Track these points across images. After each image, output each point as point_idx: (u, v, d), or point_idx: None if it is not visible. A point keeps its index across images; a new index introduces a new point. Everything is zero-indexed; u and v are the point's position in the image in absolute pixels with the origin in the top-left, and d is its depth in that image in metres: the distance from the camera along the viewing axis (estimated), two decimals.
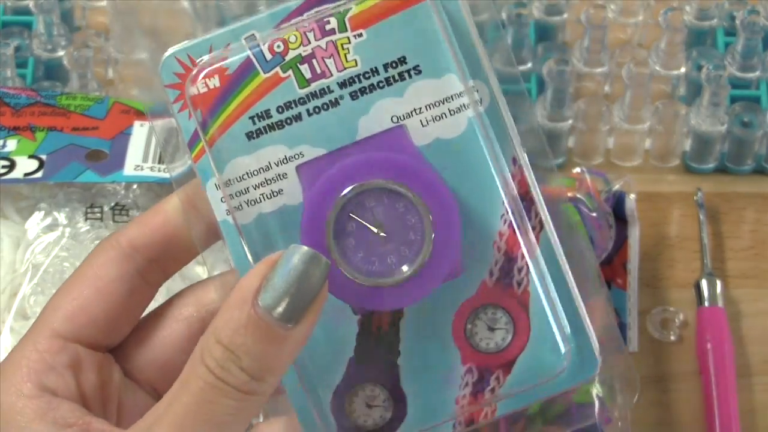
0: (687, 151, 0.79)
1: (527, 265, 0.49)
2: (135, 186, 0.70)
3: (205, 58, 0.49)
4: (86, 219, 0.70)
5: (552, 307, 0.49)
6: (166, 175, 0.68)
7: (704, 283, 0.73)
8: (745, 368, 0.71)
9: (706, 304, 0.72)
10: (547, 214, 0.49)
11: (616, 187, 0.75)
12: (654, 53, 0.80)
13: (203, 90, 0.48)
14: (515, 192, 0.49)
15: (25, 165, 0.69)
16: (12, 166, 0.69)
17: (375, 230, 0.47)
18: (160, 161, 0.69)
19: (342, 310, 0.49)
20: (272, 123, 0.48)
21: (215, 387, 0.44)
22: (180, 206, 0.50)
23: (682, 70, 0.80)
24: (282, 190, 0.48)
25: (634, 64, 0.77)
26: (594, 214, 0.71)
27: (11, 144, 0.70)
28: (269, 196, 0.48)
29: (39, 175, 0.69)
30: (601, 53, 0.80)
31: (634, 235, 0.74)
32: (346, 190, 0.47)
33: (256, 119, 0.48)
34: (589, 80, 0.81)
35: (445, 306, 0.49)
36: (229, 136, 0.48)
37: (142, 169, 0.69)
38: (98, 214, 0.70)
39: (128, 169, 0.69)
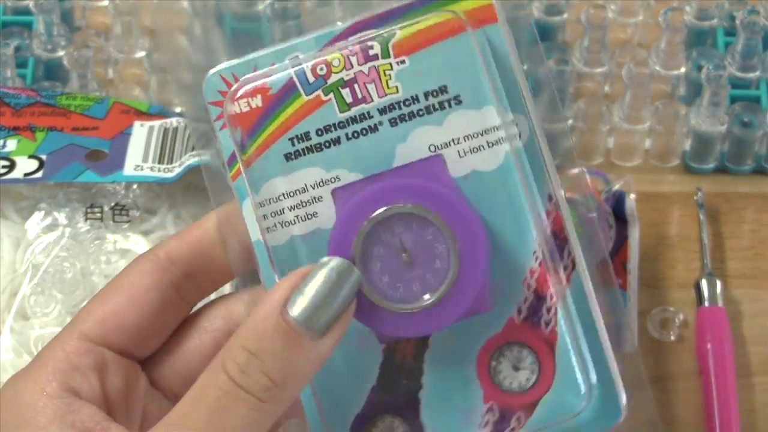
0: (687, 151, 0.79)
1: (556, 305, 0.48)
2: (135, 186, 0.70)
3: (249, 76, 0.49)
4: (86, 219, 0.70)
5: (578, 351, 0.48)
6: (166, 175, 0.68)
7: (704, 283, 0.73)
8: (745, 368, 0.71)
9: (706, 304, 0.72)
10: (580, 254, 0.48)
11: (616, 187, 0.75)
12: (654, 53, 0.80)
13: (245, 109, 0.48)
14: (549, 230, 0.48)
15: (25, 165, 0.69)
16: (12, 166, 0.69)
17: (402, 256, 0.47)
18: (160, 161, 0.69)
19: (367, 338, 0.48)
20: (311, 145, 0.48)
21: (232, 396, 0.44)
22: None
23: (682, 70, 0.80)
24: (316, 213, 0.48)
25: (634, 64, 0.77)
26: (594, 215, 0.71)
27: (11, 144, 0.70)
28: (303, 219, 0.48)
29: (39, 175, 0.69)
30: (601, 53, 0.80)
31: (634, 235, 0.74)
32: (375, 213, 0.47)
33: (295, 141, 0.48)
34: (589, 80, 0.81)
35: (470, 341, 0.48)
36: (267, 156, 0.48)
37: (142, 169, 0.69)
38: (98, 214, 0.70)
39: (128, 169, 0.69)
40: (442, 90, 0.48)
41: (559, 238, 0.48)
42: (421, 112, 0.48)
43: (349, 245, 0.47)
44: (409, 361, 0.49)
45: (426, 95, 0.48)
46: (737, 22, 0.79)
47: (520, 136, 0.48)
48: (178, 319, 0.51)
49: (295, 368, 0.44)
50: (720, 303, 0.72)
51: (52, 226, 0.69)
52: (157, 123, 0.71)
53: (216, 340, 0.50)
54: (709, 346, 0.70)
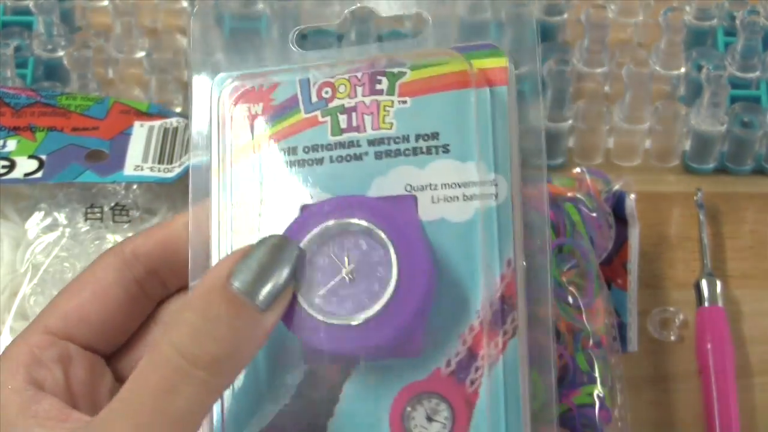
0: (687, 151, 0.79)
1: (484, 367, 0.47)
2: (135, 186, 0.70)
3: (255, 83, 0.49)
4: (86, 219, 0.70)
5: (495, 416, 0.47)
6: (166, 175, 0.68)
7: (704, 283, 0.73)
8: (745, 368, 0.71)
9: (706, 304, 0.72)
10: (525, 323, 0.48)
11: (616, 187, 0.75)
12: (654, 53, 0.80)
13: (244, 114, 0.49)
14: (498, 293, 0.48)
15: (25, 165, 0.69)
16: (12, 166, 0.69)
17: (344, 271, 0.47)
18: (160, 161, 0.69)
19: (292, 356, 0.48)
20: (295, 160, 0.49)
21: (180, 374, 0.44)
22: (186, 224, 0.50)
23: (682, 70, 0.80)
24: (283, 223, 0.48)
25: (634, 64, 0.77)
26: (594, 214, 0.71)
27: (11, 144, 0.70)
28: (269, 227, 0.49)
29: (39, 175, 0.69)
30: (601, 53, 0.80)
31: (634, 235, 0.74)
32: (329, 222, 0.47)
33: (283, 152, 0.49)
34: (589, 80, 0.81)
35: (392, 381, 0.48)
36: (252, 161, 0.49)
37: (142, 169, 0.69)
38: (98, 215, 0.70)
39: (128, 169, 0.69)
40: (434, 136, 0.49)
41: (506, 303, 0.48)
42: (407, 152, 0.49)
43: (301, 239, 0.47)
44: (327, 387, 0.48)
45: (417, 137, 0.49)
46: (737, 22, 0.79)
47: (496, 197, 0.48)
48: (142, 315, 0.51)
49: (242, 337, 0.44)
50: (720, 303, 0.72)
51: (52, 227, 0.69)
52: (157, 123, 0.71)
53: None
54: (709, 346, 0.70)
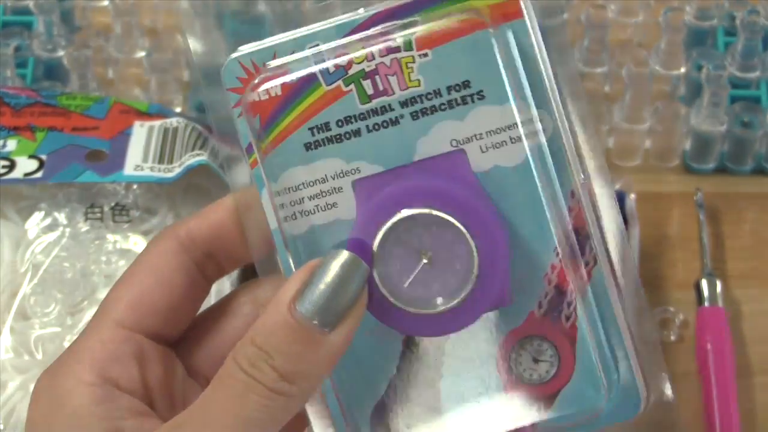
0: (687, 151, 0.79)
1: (576, 300, 0.48)
2: (135, 186, 0.70)
3: (269, 64, 0.48)
4: (86, 219, 0.70)
5: (598, 344, 0.48)
6: (166, 175, 0.68)
7: (704, 283, 0.73)
8: (745, 368, 0.71)
9: (706, 304, 0.72)
10: (603, 250, 0.48)
11: (616, 187, 0.75)
12: (654, 53, 0.80)
13: (264, 97, 0.48)
14: (570, 226, 0.48)
15: (25, 165, 0.69)
16: (12, 166, 0.69)
17: (422, 257, 0.47)
18: (160, 161, 0.69)
19: (387, 329, 0.48)
20: (331, 136, 0.48)
21: (245, 383, 0.44)
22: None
23: (682, 70, 0.80)
24: (336, 203, 0.48)
25: (634, 64, 0.77)
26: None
27: (11, 144, 0.70)
28: (323, 209, 0.48)
29: (39, 175, 0.69)
30: (601, 53, 0.80)
31: (634, 235, 0.74)
32: (397, 215, 0.47)
33: (315, 131, 0.48)
34: (589, 80, 0.81)
35: (491, 333, 0.49)
36: (286, 145, 0.48)
37: (142, 169, 0.69)
38: (98, 214, 0.70)
39: (128, 169, 0.69)
40: (465, 84, 0.48)
41: (580, 235, 0.48)
42: (443, 107, 0.48)
43: (369, 246, 0.47)
44: (428, 354, 0.49)
45: (449, 89, 0.48)
46: (737, 22, 0.79)
47: (544, 132, 0.48)
48: (202, 299, 0.51)
49: (305, 364, 0.44)
50: (720, 303, 0.72)
51: (52, 226, 0.70)
52: (157, 123, 0.71)
53: (246, 325, 0.49)
54: (709, 346, 0.70)
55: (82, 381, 0.46)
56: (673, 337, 0.72)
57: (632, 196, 0.75)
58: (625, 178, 0.76)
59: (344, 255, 0.45)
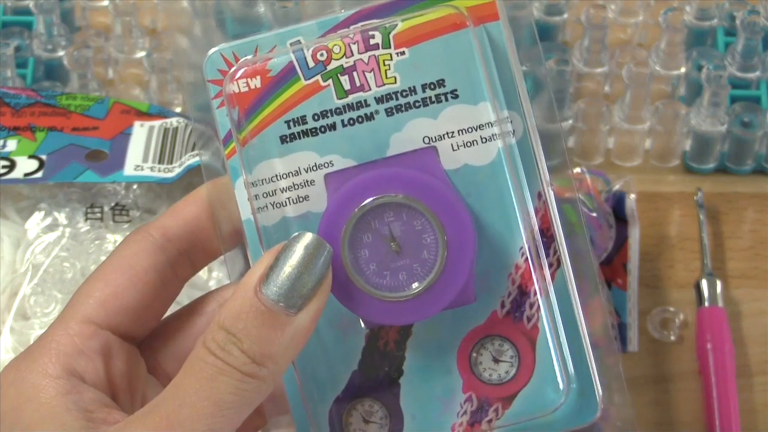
0: (687, 151, 0.79)
1: (539, 301, 0.49)
2: (135, 186, 0.70)
3: (249, 57, 0.49)
4: (86, 219, 0.70)
5: (558, 347, 0.49)
6: (166, 175, 0.68)
7: (704, 283, 0.73)
8: (745, 368, 0.71)
9: (706, 304, 0.72)
10: (566, 252, 0.49)
11: (616, 187, 0.75)
12: (654, 53, 0.80)
13: (244, 89, 0.49)
14: (536, 227, 0.49)
15: (25, 165, 0.69)
16: (12, 166, 0.69)
17: (391, 244, 0.47)
18: (161, 161, 0.69)
19: (351, 323, 0.49)
20: (306, 129, 0.49)
21: (216, 366, 0.44)
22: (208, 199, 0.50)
23: (682, 70, 0.80)
24: (308, 196, 0.49)
25: (634, 64, 0.77)
26: (594, 214, 0.71)
27: (11, 144, 0.70)
28: (295, 201, 0.49)
29: (39, 175, 0.69)
30: (601, 53, 0.80)
31: (634, 235, 0.74)
32: (365, 201, 0.47)
33: (291, 124, 0.49)
34: (589, 80, 0.81)
35: (453, 331, 0.49)
36: (263, 137, 0.49)
37: (142, 169, 0.69)
38: (98, 214, 0.70)
39: (128, 169, 0.69)
40: (440, 83, 0.48)
41: (546, 236, 0.49)
42: (417, 104, 0.48)
43: (339, 231, 0.47)
44: (392, 348, 0.49)
45: (423, 87, 0.48)
46: (737, 22, 0.79)
47: (513, 134, 0.49)
48: (172, 299, 0.51)
49: (274, 346, 0.45)
50: (720, 303, 0.72)
51: (52, 226, 0.70)
52: (157, 123, 0.71)
53: (210, 323, 0.50)
54: (709, 346, 0.70)
55: (48, 374, 0.47)
56: (673, 337, 0.72)
57: (632, 196, 0.75)
58: (625, 178, 0.76)
59: (308, 237, 0.46)
